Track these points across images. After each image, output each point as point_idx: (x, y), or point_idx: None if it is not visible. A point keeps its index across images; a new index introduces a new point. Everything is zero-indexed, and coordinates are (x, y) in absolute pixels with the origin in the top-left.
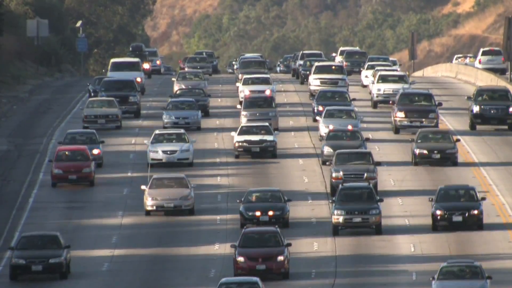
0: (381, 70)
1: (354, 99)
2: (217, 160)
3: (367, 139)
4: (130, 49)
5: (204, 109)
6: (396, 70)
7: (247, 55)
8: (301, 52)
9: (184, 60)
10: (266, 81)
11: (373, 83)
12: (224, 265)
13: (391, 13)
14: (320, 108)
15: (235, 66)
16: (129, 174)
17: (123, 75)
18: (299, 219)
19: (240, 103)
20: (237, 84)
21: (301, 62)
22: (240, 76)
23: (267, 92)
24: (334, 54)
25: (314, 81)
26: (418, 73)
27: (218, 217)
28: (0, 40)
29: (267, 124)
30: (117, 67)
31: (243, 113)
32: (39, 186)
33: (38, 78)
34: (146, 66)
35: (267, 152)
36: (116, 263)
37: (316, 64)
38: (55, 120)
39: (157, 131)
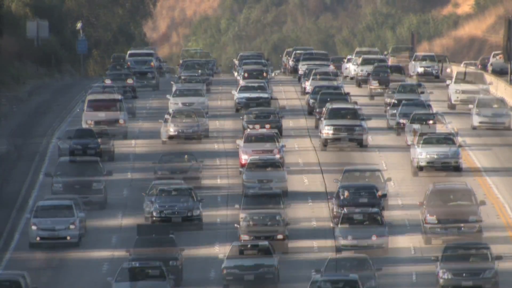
0: (419, 119)
1: (389, 179)
2: (217, 161)
3: (379, 270)
4: (111, 60)
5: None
6: (444, 127)
7: (247, 53)
8: (313, 71)
9: (183, 64)
10: (271, 139)
11: (414, 146)
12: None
13: (391, 14)
14: (346, 193)
15: (236, 65)
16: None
17: (102, 116)
18: (299, 220)
19: (241, 167)
20: (238, 141)
21: (311, 86)
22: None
23: (275, 152)
24: (349, 57)
25: (327, 129)
26: None
27: (218, 218)
28: (0, 41)
29: (266, 242)
30: (95, 106)
31: (242, 215)
32: (39, 186)
33: (38, 78)
34: (129, 81)
35: (265, 281)
36: (116, 263)
37: (329, 107)
38: (55, 121)
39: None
